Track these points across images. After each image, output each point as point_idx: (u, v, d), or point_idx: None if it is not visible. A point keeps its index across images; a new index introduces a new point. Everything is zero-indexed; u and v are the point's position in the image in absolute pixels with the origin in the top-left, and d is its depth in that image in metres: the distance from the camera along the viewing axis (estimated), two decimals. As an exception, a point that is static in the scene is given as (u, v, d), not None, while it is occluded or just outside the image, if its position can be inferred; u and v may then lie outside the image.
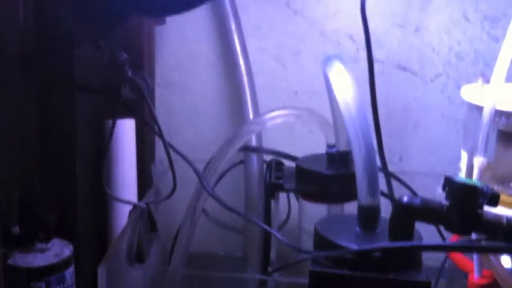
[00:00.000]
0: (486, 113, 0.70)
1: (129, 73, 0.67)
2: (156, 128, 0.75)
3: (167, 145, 0.71)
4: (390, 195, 0.90)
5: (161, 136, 0.72)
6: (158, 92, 1.05)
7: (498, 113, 0.72)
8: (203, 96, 1.04)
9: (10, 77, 0.66)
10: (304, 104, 1.03)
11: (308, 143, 1.02)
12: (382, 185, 0.92)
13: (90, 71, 0.75)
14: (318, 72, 1.02)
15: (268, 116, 0.84)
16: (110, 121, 0.80)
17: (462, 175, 0.78)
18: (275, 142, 1.00)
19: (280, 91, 1.03)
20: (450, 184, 0.58)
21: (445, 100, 1.01)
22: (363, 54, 0.97)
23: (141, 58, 0.96)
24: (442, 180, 0.59)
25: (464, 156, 0.79)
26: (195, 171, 0.73)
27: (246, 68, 0.98)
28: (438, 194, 0.76)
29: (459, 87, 1.00)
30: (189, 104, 1.05)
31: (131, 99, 0.70)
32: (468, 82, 0.99)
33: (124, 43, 0.76)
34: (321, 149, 0.86)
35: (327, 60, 0.70)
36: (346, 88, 0.66)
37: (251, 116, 0.98)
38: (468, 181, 0.59)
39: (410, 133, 1.02)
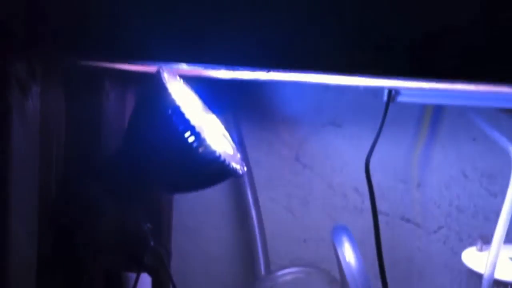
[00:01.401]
0: (485, 284, 0.74)
1: (152, 243, 0.73)
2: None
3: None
4: None
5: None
6: (173, 236, 1.10)
7: (497, 283, 0.77)
8: (216, 243, 1.09)
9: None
10: (312, 252, 1.07)
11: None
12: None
13: (112, 235, 0.80)
14: (325, 221, 1.08)
15: (279, 273, 0.89)
16: (128, 275, 0.84)
17: None
18: None
19: (290, 239, 1.08)
20: None
21: (448, 251, 1.05)
22: (369, 205, 1.02)
23: (159, 207, 1.02)
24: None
25: (466, 319, 0.83)
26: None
27: (258, 219, 1.04)
28: None
29: (460, 239, 1.05)
30: (202, 250, 1.10)
31: (151, 266, 0.74)
32: (469, 234, 1.05)
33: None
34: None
35: (336, 232, 0.75)
36: (351, 260, 0.71)
37: (261, 264, 1.02)
38: None
39: (415, 283, 1.06)
